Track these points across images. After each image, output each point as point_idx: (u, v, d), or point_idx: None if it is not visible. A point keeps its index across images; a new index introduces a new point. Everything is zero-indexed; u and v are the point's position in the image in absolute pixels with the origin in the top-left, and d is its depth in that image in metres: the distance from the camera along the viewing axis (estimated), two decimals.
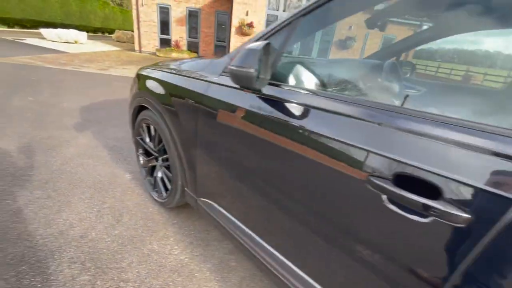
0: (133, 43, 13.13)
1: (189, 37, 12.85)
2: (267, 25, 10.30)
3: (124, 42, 17.23)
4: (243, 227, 1.19)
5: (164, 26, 12.61)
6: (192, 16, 12.36)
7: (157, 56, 12.00)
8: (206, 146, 1.28)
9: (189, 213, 1.87)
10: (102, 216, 1.73)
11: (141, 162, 2.06)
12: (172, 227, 1.72)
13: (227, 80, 1.16)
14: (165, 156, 1.76)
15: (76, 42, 13.19)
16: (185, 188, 1.56)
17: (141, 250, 1.51)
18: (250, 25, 10.07)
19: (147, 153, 2.04)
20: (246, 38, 10.43)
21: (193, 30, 12.75)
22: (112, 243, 1.52)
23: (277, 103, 0.95)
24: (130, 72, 7.24)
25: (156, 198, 1.90)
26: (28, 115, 3.26)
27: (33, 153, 2.37)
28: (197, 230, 1.72)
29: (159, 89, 1.55)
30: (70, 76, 5.81)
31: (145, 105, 1.71)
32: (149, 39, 12.68)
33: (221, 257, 1.53)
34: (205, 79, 1.28)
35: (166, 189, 1.80)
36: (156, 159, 1.88)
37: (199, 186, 1.42)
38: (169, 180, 1.73)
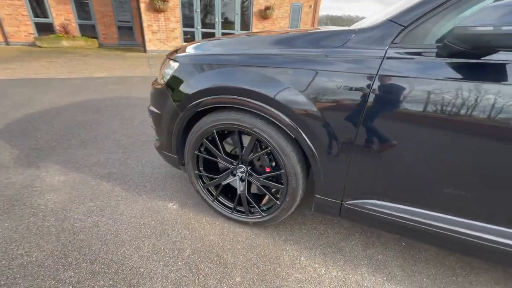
0: None
1: (80, 18, 10.20)
2: None
3: None
4: (429, 212, 1.07)
5: (38, 6, 9.54)
6: None
7: (41, 47, 9.14)
8: (379, 140, 1.03)
9: (293, 225, 1.58)
10: (199, 270, 1.26)
11: (202, 182, 1.58)
12: (292, 246, 1.42)
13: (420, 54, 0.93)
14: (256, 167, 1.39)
15: None
16: (316, 195, 1.28)
17: (286, 283, 1.20)
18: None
19: (212, 169, 1.57)
20: (162, 17, 9.06)
21: (83, 9, 10.14)
22: None
23: None
24: (13, 72, 5.29)
25: (244, 219, 1.51)
26: None
27: None
28: (325, 238, 1.48)
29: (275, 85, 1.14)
30: None
31: (230, 106, 1.27)
32: (18, 24, 9.42)
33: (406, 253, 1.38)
34: (370, 55, 1.00)
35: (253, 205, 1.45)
36: (231, 173, 1.46)
37: (350, 190, 1.18)
38: (271, 192, 1.40)
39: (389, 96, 0.96)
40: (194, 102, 1.32)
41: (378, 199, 1.16)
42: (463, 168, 0.95)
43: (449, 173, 0.97)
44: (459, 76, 0.87)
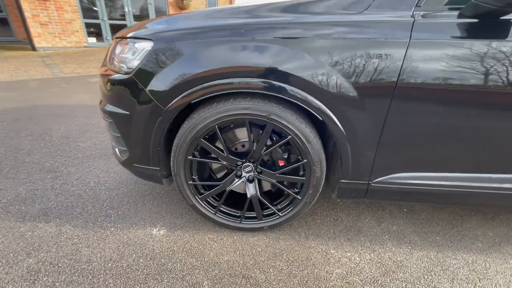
0: None
1: None
2: None
3: None
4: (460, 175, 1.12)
5: None
6: None
7: None
8: (410, 110, 0.98)
9: (306, 218, 1.43)
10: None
11: (199, 194, 1.26)
12: (316, 241, 1.28)
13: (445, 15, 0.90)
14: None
15: None
16: (341, 181, 1.17)
17: (332, 283, 1.06)
18: None
19: (208, 176, 1.27)
20: (52, 5, 7.25)
21: None
22: None
23: None
24: None
25: (257, 225, 1.29)
26: None
27: None
28: (341, 223, 1.39)
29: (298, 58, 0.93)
30: None
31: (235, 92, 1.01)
32: None
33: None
34: (393, 19, 0.91)
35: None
36: (236, 175, 1.22)
37: (377, 167, 1.11)
38: (292, 187, 1.23)
39: (421, 63, 0.90)
40: (188, 92, 1.00)
41: (405, 172, 1.14)
42: (496, 129, 0.99)
43: (483, 135, 1.01)
44: (489, 34, 0.88)
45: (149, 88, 1.03)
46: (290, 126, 1.04)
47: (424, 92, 0.94)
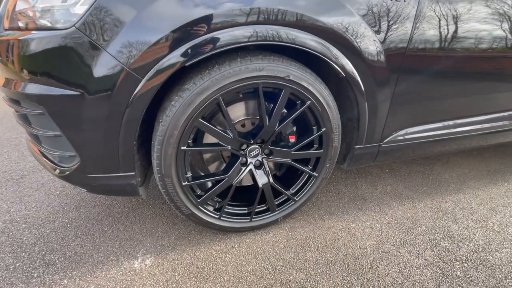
0: None
1: None
2: None
3: None
4: (464, 120, 1.21)
5: None
6: None
7: None
8: (427, 68, 0.97)
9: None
10: None
11: (197, 197, 0.94)
12: (332, 219, 1.15)
13: None
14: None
15: None
16: (355, 147, 1.07)
17: (371, 258, 0.96)
18: None
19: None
20: None
21: None
22: None
23: None
24: None
25: (270, 218, 1.07)
26: None
27: None
28: (344, 196, 1.30)
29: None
30: None
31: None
32: None
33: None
34: None
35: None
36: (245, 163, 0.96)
37: (388, 127, 1.07)
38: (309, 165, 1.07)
39: (435, 16, 0.88)
40: (184, 47, 0.68)
41: (409, 127, 1.13)
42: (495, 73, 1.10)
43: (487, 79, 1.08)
44: None
45: (111, 46, 0.66)
46: (311, 89, 0.86)
47: (433, 44, 0.92)
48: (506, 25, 1.00)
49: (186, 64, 0.71)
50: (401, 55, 0.91)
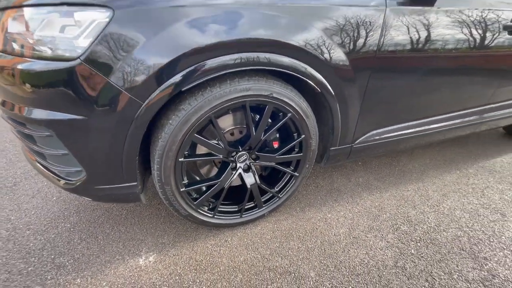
0: None
1: None
2: None
3: None
4: (422, 120, 1.41)
5: None
6: None
7: None
8: (390, 77, 1.13)
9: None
10: None
11: (193, 200, 1.06)
12: (314, 211, 1.32)
13: None
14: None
15: None
16: (330, 148, 1.23)
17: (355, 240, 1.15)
18: None
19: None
20: None
21: None
22: None
23: None
24: None
25: (258, 214, 1.22)
26: None
27: None
28: (322, 188, 1.47)
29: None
30: None
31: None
32: None
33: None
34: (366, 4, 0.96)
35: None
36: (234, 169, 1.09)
37: (358, 130, 1.23)
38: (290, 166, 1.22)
39: (398, 28, 1.02)
40: (180, 75, 0.77)
41: (378, 129, 1.31)
42: (447, 82, 1.31)
43: (435, 88, 1.26)
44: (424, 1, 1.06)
45: (115, 76, 0.74)
46: (291, 103, 0.99)
47: (398, 56, 1.07)
48: (461, 36, 1.17)
49: (182, 89, 0.81)
50: (366, 73, 1.05)
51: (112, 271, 0.99)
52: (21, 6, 0.77)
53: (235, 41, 0.79)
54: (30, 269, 0.98)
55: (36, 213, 1.24)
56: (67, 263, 1.01)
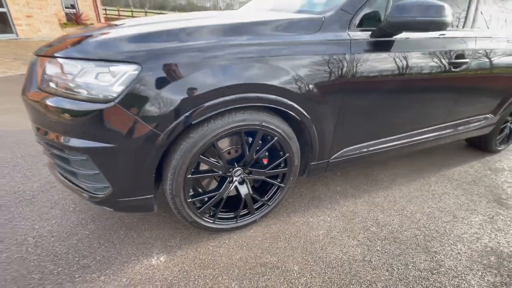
0: None
1: None
2: None
3: None
4: (389, 137, 1.70)
5: None
6: None
7: None
8: (357, 106, 1.40)
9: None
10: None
11: (197, 209, 1.27)
12: (299, 216, 1.56)
13: (366, 34, 1.29)
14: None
15: None
16: (311, 163, 1.47)
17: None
18: None
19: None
20: None
21: None
22: None
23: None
24: None
25: (250, 219, 1.44)
26: None
27: None
28: (306, 196, 1.71)
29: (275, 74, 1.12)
30: None
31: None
32: None
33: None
34: (339, 39, 1.23)
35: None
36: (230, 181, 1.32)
37: (334, 147, 1.48)
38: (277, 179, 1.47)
39: (361, 67, 1.29)
40: (191, 112, 1.00)
41: (351, 146, 1.57)
42: (407, 107, 1.59)
43: (396, 111, 1.54)
44: (384, 48, 1.35)
45: (141, 114, 0.96)
46: (277, 129, 1.23)
47: (362, 87, 1.34)
48: (415, 69, 1.45)
49: (193, 122, 1.03)
50: (337, 103, 1.31)
51: (130, 269, 1.19)
52: (67, 57, 0.99)
53: (231, 86, 1.04)
54: (59, 269, 1.17)
55: (56, 222, 1.42)
56: (90, 264, 1.20)
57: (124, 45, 0.97)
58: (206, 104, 1.02)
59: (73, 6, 10.80)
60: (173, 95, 0.97)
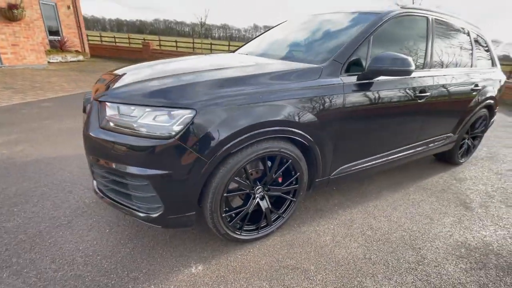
0: None
1: None
2: None
3: None
4: (375, 156, 2.06)
5: None
6: None
7: None
8: (349, 131, 1.76)
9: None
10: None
11: (229, 222, 1.52)
12: (313, 225, 1.83)
13: (353, 78, 1.69)
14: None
15: None
16: (316, 180, 1.79)
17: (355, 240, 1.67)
18: None
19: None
20: None
21: None
22: None
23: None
24: None
25: (269, 231, 1.70)
26: None
27: None
28: (310, 209, 1.99)
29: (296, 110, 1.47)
30: None
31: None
32: None
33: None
34: (334, 83, 1.61)
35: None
36: (252, 196, 1.59)
37: (333, 166, 1.82)
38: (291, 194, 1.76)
39: (351, 102, 1.67)
40: (231, 144, 1.29)
41: (346, 164, 1.91)
42: (386, 131, 1.99)
43: (378, 134, 1.93)
44: (367, 88, 1.75)
45: (194, 147, 1.23)
46: (291, 153, 1.55)
47: (354, 118, 1.72)
48: (392, 100, 1.86)
49: (231, 152, 1.32)
50: (334, 130, 1.67)
51: (175, 278, 1.39)
52: (132, 104, 1.26)
53: (259, 123, 1.35)
54: (113, 282, 1.34)
55: (97, 243, 1.59)
56: (139, 276, 1.39)
57: (179, 93, 1.26)
58: (241, 138, 1.32)
59: (57, 33, 10.91)
60: (218, 132, 1.26)
